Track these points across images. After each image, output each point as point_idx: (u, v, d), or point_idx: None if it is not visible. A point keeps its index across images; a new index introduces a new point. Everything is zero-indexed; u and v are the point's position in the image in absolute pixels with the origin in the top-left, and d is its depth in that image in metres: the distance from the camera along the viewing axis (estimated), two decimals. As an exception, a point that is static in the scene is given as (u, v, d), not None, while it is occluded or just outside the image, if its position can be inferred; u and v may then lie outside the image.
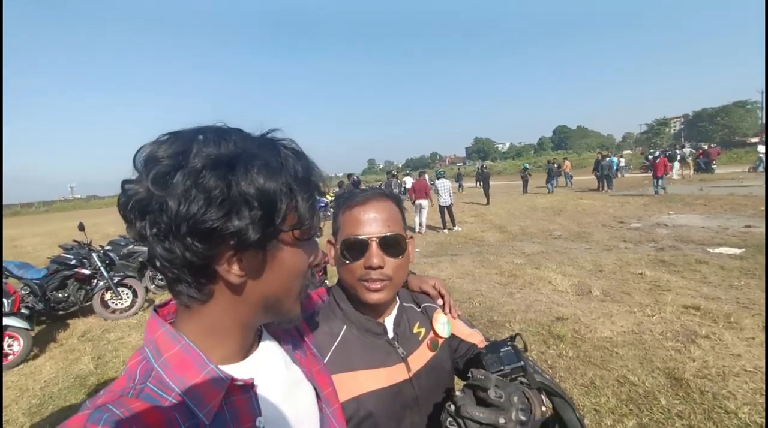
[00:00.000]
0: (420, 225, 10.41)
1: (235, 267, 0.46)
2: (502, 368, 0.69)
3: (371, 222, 0.76)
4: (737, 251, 5.83)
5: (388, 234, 0.75)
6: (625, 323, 3.74)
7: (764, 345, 3.12)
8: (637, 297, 4.40)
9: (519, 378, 0.68)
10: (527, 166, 19.91)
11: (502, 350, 0.72)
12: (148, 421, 0.42)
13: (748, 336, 3.29)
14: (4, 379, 3.73)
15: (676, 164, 19.88)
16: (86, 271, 5.21)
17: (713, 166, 20.71)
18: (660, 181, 13.49)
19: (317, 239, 0.58)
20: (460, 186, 25.10)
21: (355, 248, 0.75)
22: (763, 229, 7.04)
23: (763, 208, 8.96)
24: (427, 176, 12.83)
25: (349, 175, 13.42)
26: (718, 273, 4.97)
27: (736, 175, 17.79)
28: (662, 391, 2.65)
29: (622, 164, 24.45)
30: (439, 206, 10.28)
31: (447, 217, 10.28)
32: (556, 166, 19.28)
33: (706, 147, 21.82)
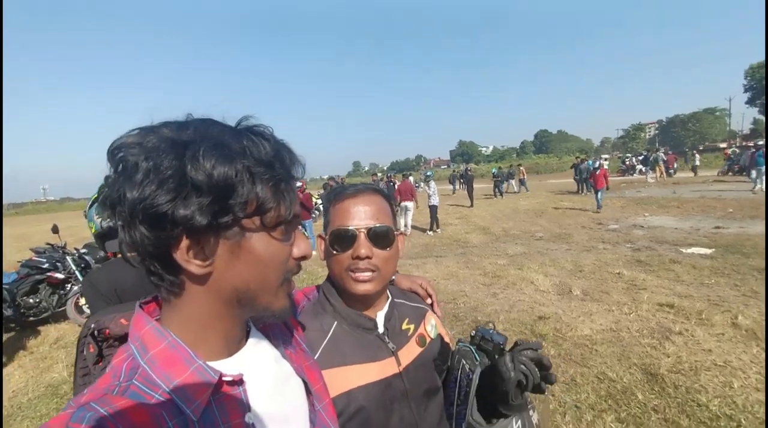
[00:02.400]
0: (405, 226, 10.47)
1: (194, 257, 0.45)
2: (506, 340, 0.92)
3: (360, 213, 0.77)
4: (708, 251, 6.10)
5: (377, 225, 0.77)
6: (604, 321, 3.85)
7: (734, 341, 3.27)
8: (615, 296, 4.53)
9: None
10: (494, 171, 21.04)
11: (491, 330, 0.94)
12: (134, 420, 0.41)
13: (718, 332, 3.43)
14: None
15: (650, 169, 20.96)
16: (60, 275, 5.02)
17: (671, 171, 22.08)
18: (599, 195, 11.55)
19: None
20: (454, 189, 25.26)
21: (344, 239, 0.76)
22: (731, 230, 7.39)
23: (732, 210, 9.40)
24: (412, 178, 12.92)
25: (331, 178, 13.09)
26: (690, 272, 5.17)
27: (706, 179, 18.59)
28: (639, 386, 2.74)
29: (606, 167, 25.36)
30: (430, 206, 10.32)
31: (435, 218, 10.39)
32: (506, 171, 21.63)
33: (663, 153, 23.27)
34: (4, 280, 4.83)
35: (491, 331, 0.93)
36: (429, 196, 10.37)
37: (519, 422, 0.84)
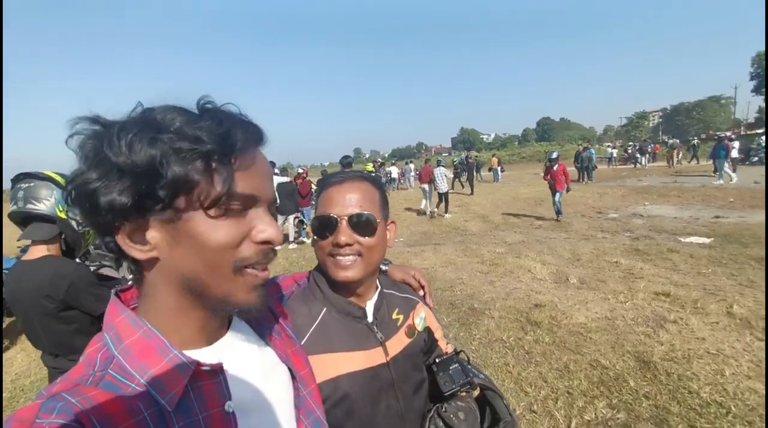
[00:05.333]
0: (428, 207, 11.03)
1: (134, 242, 0.45)
2: (453, 386, 0.85)
3: (344, 201, 0.77)
4: (706, 240, 6.09)
5: (358, 212, 0.76)
6: (599, 309, 3.88)
7: (728, 329, 3.29)
8: (611, 284, 4.55)
9: (466, 389, 0.86)
10: (456, 160, 19.29)
11: (451, 368, 0.87)
12: (107, 410, 0.40)
13: (712, 320, 3.46)
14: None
15: (646, 157, 22.46)
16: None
17: (677, 159, 22.52)
18: (558, 197, 8.56)
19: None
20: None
21: (326, 226, 0.77)
22: (730, 220, 7.37)
23: (732, 200, 9.36)
24: (412, 166, 12.89)
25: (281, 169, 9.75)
26: (687, 261, 5.18)
27: (709, 168, 18.44)
28: (631, 374, 2.77)
29: (615, 154, 26.73)
30: (438, 193, 10.67)
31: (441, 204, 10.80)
32: (468, 160, 18.89)
33: (669, 142, 23.77)
34: (6, 265, 4.83)
35: (450, 368, 0.87)
36: (436, 183, 10.67)
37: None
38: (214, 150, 0.44)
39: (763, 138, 18.81)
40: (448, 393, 0.84)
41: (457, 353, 0.92)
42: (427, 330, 0.94)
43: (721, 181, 12.48)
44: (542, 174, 9.32)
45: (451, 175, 16.67)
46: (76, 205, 0.44)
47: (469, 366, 0.91)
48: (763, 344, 2.99)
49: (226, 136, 0.45)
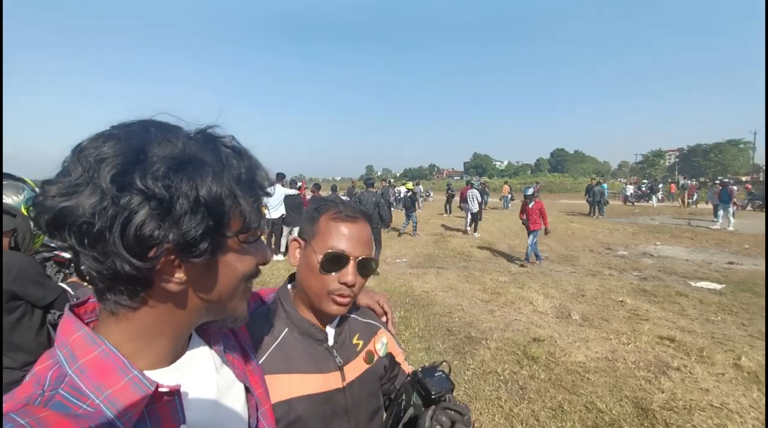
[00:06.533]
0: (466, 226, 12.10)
1: (176, 277, 0.44)
2: (440, 390, 0.82)
3: (356, 241, 0.78)
4: (718, 286, 5.91)
5: (367, 257, 0.79)
6: (600, 349, 3.76)
7: (734, 382, 3.15)
8: (615, 324, 4.42)
9: (446, 396, 0.82)
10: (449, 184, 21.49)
11: (436, 374, 0.86)
12: None
13: (718, 371, 3.32)
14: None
15: (657, 196, 22.66)
16: (66, 255, 5.13)
17: (690, 201, 22.30)
18: (532, 238, 7.49)
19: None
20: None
21: (336, 262, 0.76)
22: (744, 267, 7.16)
23: (748, 246, 9.12)
24: (421, 187, 13.20)
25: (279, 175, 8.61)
26: (696, 306, 5.02)
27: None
28: (628, 420, 2.65)
29: (630, 192, 25.30)
30: (470, 213, 11.64)
31: (473, 223, 11.70)
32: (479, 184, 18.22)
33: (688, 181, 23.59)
34: None
35: (435, 375, 0.85)
36: (469, 203, 11.57)
37: None
38: (261, 195, 0.50)
39: None
40: (436, 396, 0.81)
41: (439, 363, 0.91)
42: (389, 356, 0.94)
43: (732, 227, 12.19)
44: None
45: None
46: (134, 251, 0.39)
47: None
48: (770, 401, 2.84)
49: (263, 180, 0.51)
